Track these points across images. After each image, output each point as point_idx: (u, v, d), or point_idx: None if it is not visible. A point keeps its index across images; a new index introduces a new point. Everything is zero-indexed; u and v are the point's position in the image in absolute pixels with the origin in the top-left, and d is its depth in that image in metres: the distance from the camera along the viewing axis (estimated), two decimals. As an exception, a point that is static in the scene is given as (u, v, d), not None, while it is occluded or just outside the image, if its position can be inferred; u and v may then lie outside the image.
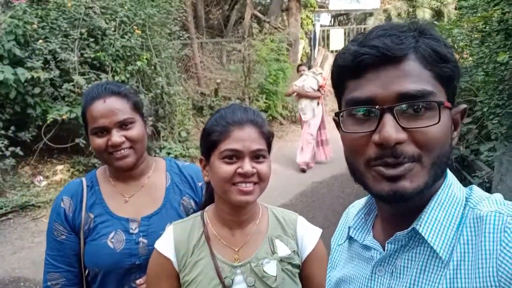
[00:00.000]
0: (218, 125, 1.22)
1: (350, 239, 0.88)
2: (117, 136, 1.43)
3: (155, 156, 6.97)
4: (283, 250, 1.28)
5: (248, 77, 9.73)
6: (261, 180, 1.22)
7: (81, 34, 5.99)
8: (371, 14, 15.87)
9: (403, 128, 0.67)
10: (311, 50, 14.04)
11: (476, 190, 0.77)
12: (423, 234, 0.71)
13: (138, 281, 1.44)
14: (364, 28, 15.59)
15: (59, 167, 6.17)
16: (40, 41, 5.67)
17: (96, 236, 1.49)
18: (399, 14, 14.69)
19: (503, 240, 0.63)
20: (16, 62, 5.39)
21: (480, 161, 3.14)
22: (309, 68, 8.05)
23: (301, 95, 7.39)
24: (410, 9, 14.55)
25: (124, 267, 1.47)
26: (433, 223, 0.71)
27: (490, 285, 0.63)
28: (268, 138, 1.27)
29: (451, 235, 0.70)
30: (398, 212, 0.76)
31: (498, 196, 0.74)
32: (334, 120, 0.81)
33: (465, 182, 3.56)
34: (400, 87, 0.67)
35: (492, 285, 0.63)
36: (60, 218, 1.51)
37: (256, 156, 1.21)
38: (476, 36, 4.22)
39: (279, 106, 10.44)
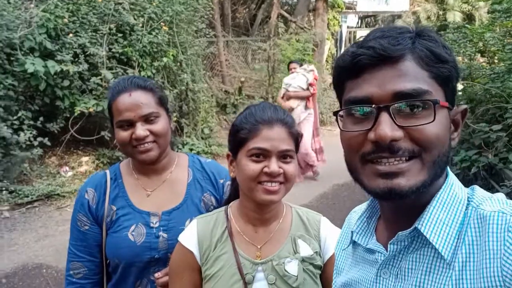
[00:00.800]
0: (248, 123, 1.22)
1: (353, 243, 0.87)
2: (141, 130, 1.44)
3: (177, 151, 7.11)
4: (305, 250, 1.27)
5: (273, 76, 9.72)
6: (287, 180, 1.22)
7: (110, 29, 6.11)
8: (399, 16, 15.63)
9: (399, 127, 0.67)
10: (337, 51, 13.93)
11: (478, 190, 0.76)
12: (425, 233, 0.70)
13: (156, 275, 1.45)
14: (392, 30, 15.35)
15: (85, 159, 6.31)
16: (70, 35, 5.81)
17: (117, 228, 1.51)
18: (428, 17, 14.41)
19: (507, 240, 0.63)
20: (46, 55, 5.54)
21: (509, 170, 3.04)
22: (301, 65, 7.12)
23: (289, 96, 6.48)
24: (440, 12, 14.24)
25: (144, 260, 1.48)
26: (435, 222, 0.71)
27: (495, 285, 0.62)
28: (297, 139, 1.26)
29: (453, 234, 0.70)
30: (400, 211, 0.76)
31: (500, 195, 0.74)
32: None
33: (492, 191, 3.46)
34: (396, 86, 0.68)
35: (497, 285, 0.62)
36: (84, 209, 1.54)
37: (284, 156, 1.20)
38: (509, 41, 4.09)
39: (303, 106, 10.37)
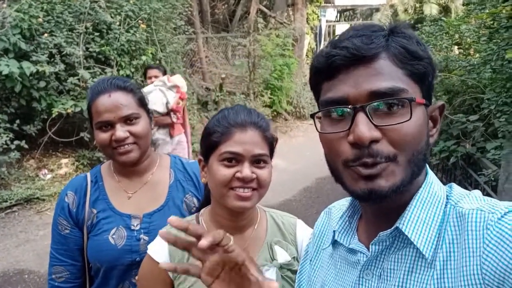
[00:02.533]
0: (220, 126, 1.17)
1: (334, 243, 0.86)
2: (121, 131, 1.43)
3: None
4: (282, 256, 1.23)
5: (253, 72, 9.71)
6: (260, 186, 1.17)
7: (86, 28, 5.99)
8: (377, 10, 15.78)
9: (376, 126, 0.67)
10: (316, 45, 13.99)
11: (456, 188, 0.77)
12: (406, 233, 0.70)
13: (137, 277, 1.43)
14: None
15: (64, 161, 6.20)
16: (46, 35, 5.68)
17: (98, 231, 1.50)
18: (406, 10, 14.59)
19: (486, 238, 0.63)
20: (21, 56, 5.40)
21: (486, 159, 3.11)
22: (165, 73, 5.07)
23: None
24: (417, 5, 14.42)
25: (125, 263, 1.47)
26: (416, 221, 0.71)
27: (475, 283, 0.63)
28: (271, 143, 1.22)
29: (433, 233, 0.71)
30: (381, 211, 0.76)
31: (477, 192, 0.75)
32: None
33: (470, 180, 3.54)
34: (371, 85, 0.68)
35: (477, 283, 0.63)
36: (64, 212, 1.52)
37: (257, 160, 1.16)
38: (484, 32, 4.17)
39: (284, 101, 10.41)
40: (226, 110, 1.23)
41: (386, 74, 0.68)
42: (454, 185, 0.78)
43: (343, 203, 0.97)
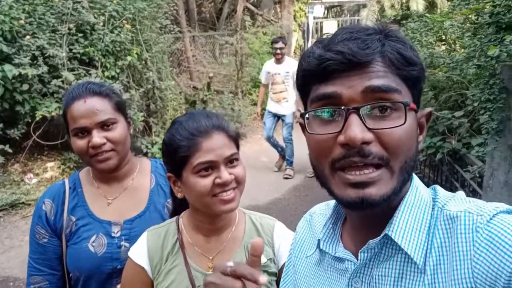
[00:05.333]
0: (183, 139, 1.15)
1: (320, 250, 0.85)
2: (97, 137, 1.39)
3: (146, 152, 6.90)
4: None
5: (241, 70, 9.68)
6: (238, 183, 1.19)
7: (69, 29, 5.89)
8: (364, 6, 15.82)
9: (369, 129, 0.66)
10: (304, 42, 13.98)
11: (440, 190, 0.77)
12: (396, 239, 0.69)
13: (118, 286, 1.41)
14: (358, 20, 15.53)
15: (50, 164, 6.11)
16: (28, 37, 5.57)
17: (77, 239, 1.47)
18: (392, 6, 14.64)
19: (475, 241, 0.63)
20: (3, 59, 5.30)
21: (472, 155, 3.13)
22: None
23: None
24: (404, 0, 14.48)
25: (106, 271, 1.45)
26: (405, 227, 0.70)
27: (466, 287, 0.63)
28: (236, 140, 1.24)
29: (423, 238, 0.70)
30: (368, 218, 0.74)
31: (461, 194, 0.75)
32: (300, 123, 0.79)
33: (457, 176, 3.56)
34: (365, 83, 0.67)
35: (469, 286, 0.62)
36: (42, 221, 1.49)
37: (230, 161, 1.18)
38: (468, 28, 4.19)
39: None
40: (182, 119, 1.21)
41: (380, 74, 0.67)
42: (437, 187, 0.78)
43: (323, 208, 0.95)
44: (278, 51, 6.24)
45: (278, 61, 6.36)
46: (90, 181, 1.55)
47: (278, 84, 6.41)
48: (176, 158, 1.17)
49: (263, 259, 1.24)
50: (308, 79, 0.73)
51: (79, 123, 1.40)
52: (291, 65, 6.32)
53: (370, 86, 0.66)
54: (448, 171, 3.82)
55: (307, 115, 0.73)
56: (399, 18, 13.15)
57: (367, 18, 14.94)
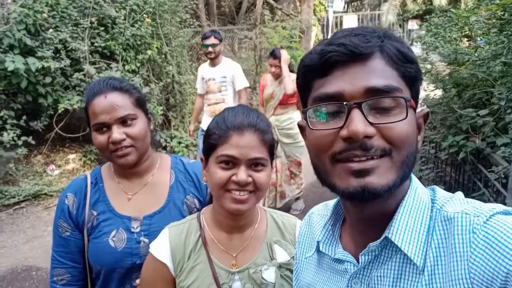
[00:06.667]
0: (218, 128, 1.17)
1: (319, 252, 0.86)
2: (117, 133, 1.40)
3: (165, 146, 6.93)
4: (282, 255, 1.25)
5: (259, 65, 9.65)
6: (257, 189, 1.17)
7: (91, 23, 5.97)
8: (385, 0, 15.54)
9: (371, 124, 0.67)
10: (323, 37, 13.86)
11: (439, 191, 0.77)
12: (396, 242, 0.70)
13: (138, 281, 1.42)
14: (379, 14, 15.31)
15: (71, 156, 6.22)
16: (51, 30, 5.67)
17: (98, 234, 1.49)
18: (414, 0, 14.36)
19: (472, 242, 0.63)
20: (27, 52, 5.40)
21: (497, 155, 3.04)
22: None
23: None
24: (427, -5, 14.20)
25: (125, 266, 1.46)
26: (405, 230, 0.71)
27: (463, 287, 0.63)
28: (271, 146, 1.21)
29: (422, 240, 0.70)
30: (368, 219, 0.75)
31: (460, 195, 0.75)
32: (299, 125, 0.81)
33: (480, 176, 3.47)
34: (367, 82, 0.67)
35: (465, 287, 0.63)
36: (64, 215, 1.51)
37: (255, 164, 1.16)
38: (494, 23, 4.07)
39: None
40: (227, 111, 1.22)
41: (381, 73, 0.68)
42: (436, 188, 0.78)
43: (321, 209, 0.96)
44: (210, 49, 4.64)
45: (212, 62, 4.77)
46: (111, 176, 1.57)
47: (213, 93, 4.78)
48: (207, 143, 1.20)
49: (287, 257, 1.25)
50: (309, 76, 0.74)
51: (99, 118, 1.42)
52: (229, 67, 4.77)
53: (372, 88, 0.67)
54: (471, 170, 3.73)
55: (308, 113, 0.74)
56: (421, 12, 12.89)
57: (388, 12, 14.71)
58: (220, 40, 4.75)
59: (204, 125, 4.83)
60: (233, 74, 4.74)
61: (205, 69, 4.90)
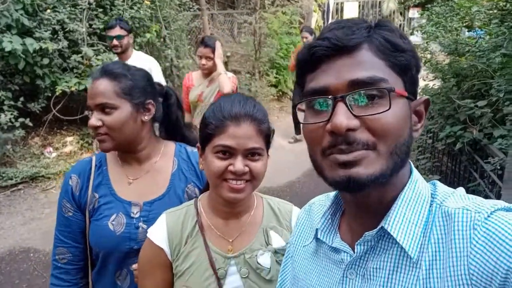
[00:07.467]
0: (215, 118, 1.17)
1: (317, 240, 0.87)
2: (93, 119, 1.44)
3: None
4: (277, 241, 1.27)
5: (259, 50, 9.59)
6: (253, 178, 1.18)
7: (90, 4, 5.89)
8: (387, -13, 15.36)
9: (356, 116, 0.67)
10: (324, 23, 13.73)
11: (440, 185, 0.77)
12: (391, 233, 0.70)
13: (134, 266, 1.45)
14: (380, 1, 15.16)
15: (69, 139, 6.21)
16: (48, 10, 5.60)
17: (99, 216, 1.51)
18: (416, -13, 14.21)
19: (473, 238, 0.63)
20: (24, 32, 5.34)
21: (493, 146, 3.06)
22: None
23: None
24: (429, -18, 14.05)
25: (123, 250, 1.48)
26: (401, 221, 0.71)
27: (462, 284, 0.63)
28: (267, 136, 1.22)
29: (419, 233, 0.70)
30: (365, 208, 0.76)
31: (461, 190, 0.75)
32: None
33: (476, 166, 3.50)
34: (351, 75, 0.68)
35: (464, 283, 0.63)
36: (68, 195, 1.54)
37: (251, 153, 1.17)
38: (495, 14, 4.05)
39: (290, 81, 10.30)
40: (223, 100, 1.23)
41: (367, 64, 0.68)
42: (437, 182, 0.78)
43: (322, 199, 0.97)
44: (115, 41, 3.87)
45: (120, 58, 3.99)
46: (115, 160, 1.58)
47: None
48: (204, 132, 1.21)
49: (283, 243, 1.27)
50: (302, 70, 0.76)
51: (87, 102, 1.46)
52: (141, 63, 3.48)
53: (355, 80, 0.68)
54: (467, 161, 3.76)
55: (302, 107, 0.75)
56: (423, 1, 12.77)
57: (389, 0, 14.57)
58: (129, 31, 3.98)
59: None
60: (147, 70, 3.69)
61: None
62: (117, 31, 3.88)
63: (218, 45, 3.82)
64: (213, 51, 3.76)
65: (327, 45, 0.69)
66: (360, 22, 0.71)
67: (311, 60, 0.72)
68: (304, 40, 6.63)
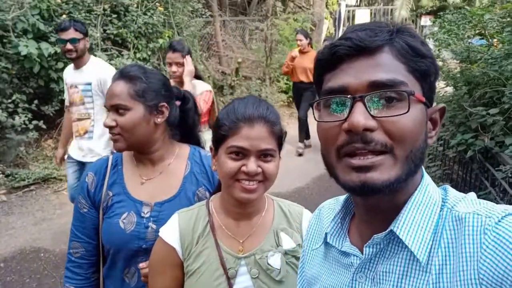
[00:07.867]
0: (228, 119, 1.19)
1: (326, 244, 0.86)
2: (109, 119, 1.49)
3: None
4: (288, 243, 1.28)
5: (270, 57, 9.63)
6: (266, 179, 1.20)
7: (104, 10, 6.01)
8: (399, -5, 15.36)
9: (373, 117, 0.67)
10: (335, 30, 13.75)
11: (451, 190, 0.76)
12: (400, 236, 0.70)
13: (141, 265, 1.47)
14: (392, 9, 15.15)
15: (81, 142, 6.27)
16: (64, 16, 5.71)
17: (111, 214, 1.55)
18: (429, -5, 14.18)
19: (483, 243, 0.63)
20: (40, 37, 5.45)
21: (505, 154, 3.03)
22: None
23: None
24: (441, -9, 14.01)
25: (132, 248, 1.51)
26: (411, 224, 0.71)
27: None
28: (280, 137, 1.24)
29: (428, 237, 0.70)
30: (375, 211, 0.75)
31: (472, 195, 0.74)
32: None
33: (487, 174, 3.46)
34: (371, 76, 0.68)
35: None
36: (84, 192, 1.59)
37: (264, 154, 1.19)
38: (508, 22, 4.03)
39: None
40: (237, 102, 1.25)
41: (387, 67, 0.69)
42: (448, 187, 0.78)
43: (332, 203, 0.97)
44: (69, 45, 3.25)
45: (76, 64, 3.40)
46: (131, 160, 1.63)
47: (76, 106, 3.40)
48: (217, 133, 1.23)
49: (293, 245, 1.28)
50: (321, 69, 0.76)
51: (105, 102, 1.54)
52: (97, 71, 3.35)
53: (375, 81, 0.68)
54: (478, 169, 3.72)
55: (318, 106, 0.76)
56: (435, 8, 12.74)
57: (402, 7, 14.55)
58: (85, 34, 3.36)
59: (72, 150, 3.63)
60: (102, 79, 3.28)
61: (68, 72, 3.52)
62: (71, 33, 3.25)
63: (189, 60, 3.35)
64: (184, 56, 3.33)
65: (349, 45, 0.69)
66: (383, 25, 0.72)
67: (331, 59, 0.72)
68: (298, 42, 6.58)
